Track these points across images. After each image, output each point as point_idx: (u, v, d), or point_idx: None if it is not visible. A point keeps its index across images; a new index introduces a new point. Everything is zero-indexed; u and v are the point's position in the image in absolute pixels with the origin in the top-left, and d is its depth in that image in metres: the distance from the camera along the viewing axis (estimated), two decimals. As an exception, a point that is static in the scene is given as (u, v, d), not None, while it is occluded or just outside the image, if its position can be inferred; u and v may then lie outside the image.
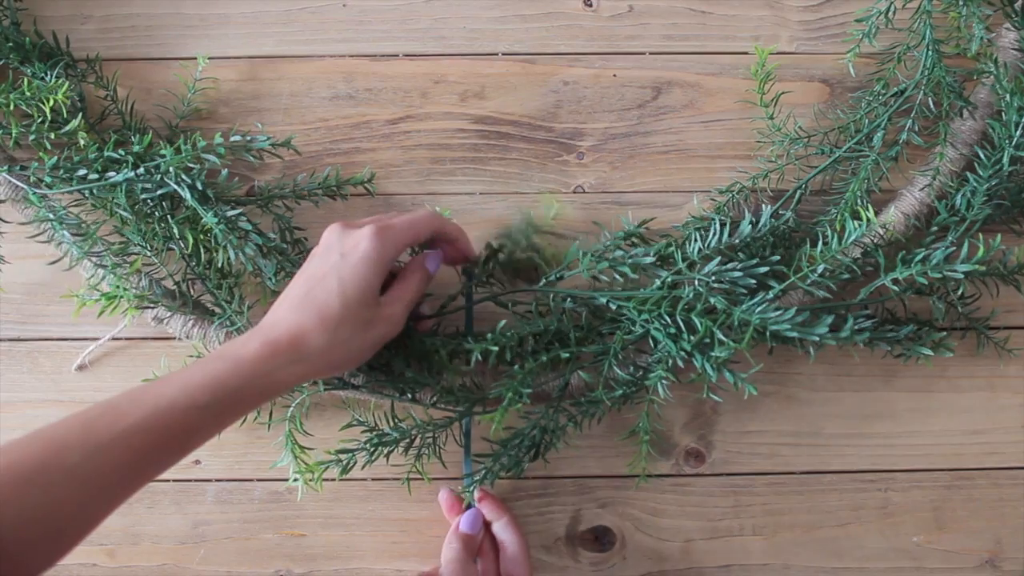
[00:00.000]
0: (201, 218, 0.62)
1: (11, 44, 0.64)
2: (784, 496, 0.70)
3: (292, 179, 0.68)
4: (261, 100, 0.69)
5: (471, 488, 0.65)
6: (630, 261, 0.63)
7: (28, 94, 0.61)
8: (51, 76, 0.63)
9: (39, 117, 0.62)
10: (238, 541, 0.69)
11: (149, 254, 0.64)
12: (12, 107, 0.62)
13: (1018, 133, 0.63)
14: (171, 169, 0.60)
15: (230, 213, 0.62)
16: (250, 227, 0.62)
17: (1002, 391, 0.70)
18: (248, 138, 0.63)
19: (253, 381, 0.54)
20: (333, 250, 0.57)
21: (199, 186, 0.61)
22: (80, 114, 0.63)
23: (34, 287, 0.68)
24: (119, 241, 0.64)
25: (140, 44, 0.69)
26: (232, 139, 0.62)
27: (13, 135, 0.62)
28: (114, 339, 0.69)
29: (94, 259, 0.64)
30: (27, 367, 0.69)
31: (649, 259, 0.63)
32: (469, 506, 0.65)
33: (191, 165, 0.61)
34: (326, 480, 0.67)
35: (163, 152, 0.61)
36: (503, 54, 0.69)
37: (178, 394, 0.52)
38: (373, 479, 0.69)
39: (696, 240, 0.63)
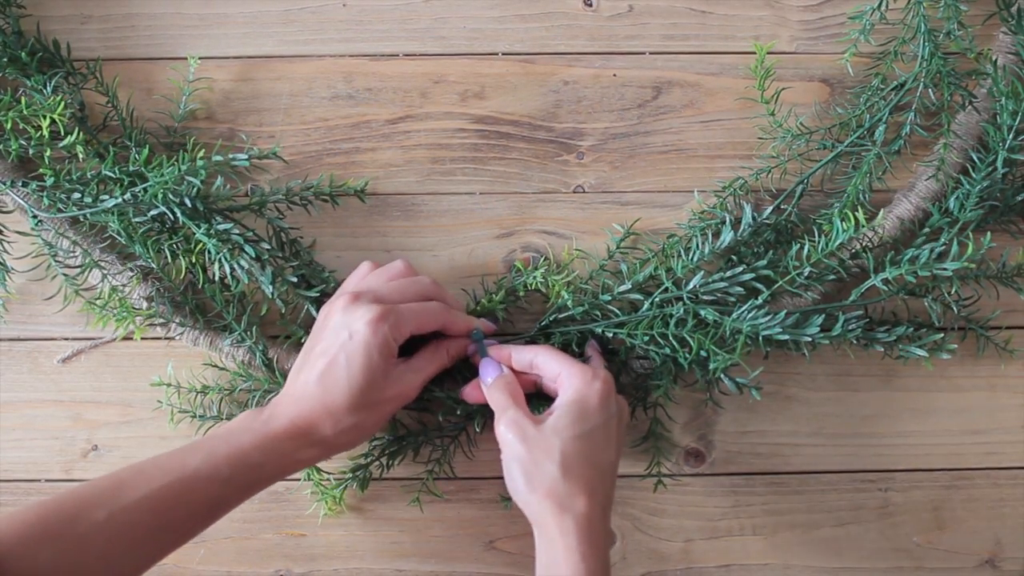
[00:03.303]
0: (190, 239, 0.63)
1: (7, 58, 0.64)
2: (784, 496, 0.70)
3: (286, 184, 0.68)
4: (261, 100, 0.69)
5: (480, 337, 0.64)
6: (618, 297, 0.65)
7: (26, 112, 0.61)
8: (49, 87, 0.63)
9: (38, 133, 0.62)
10: (238, 541, 0.69)
11: (154, 267, 0.64)
12: (10, 125, 0.62)
13: (1011, 136, 0.63)
14: (159, 192, 0.60)
15: (221, 227, 0.62)
16: (242, 240, 0.63)
17: (1002, 391, 0.70)
18: (229, 156, 0.63)
19: (273, 458, 0.56)
20: (343, 328, 0.58)
21: (188, 202, 0.61)
22: (78, 128, 0.63)
23: (34, 287, 0.68)
24: (124, 254, 0.65)
25: (140, 44, 0.69)
26: (214, 159, 0.61)
27: (13, 150, 0.62)
28: (113, 340, 0.69)
29: (99, 283, 0.65)
30: (27, 367, 0.69)
31: (637, 295, 0.64)
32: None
33: (176, 187, 0.61)
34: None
35: (149, 176, 0.61)
36: (503, 54, 0.69)
37: (202, 464, 0.55)
38: (373, 479, 0.68)
39: (680, 255, 0.64)
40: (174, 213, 0.61)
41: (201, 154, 0.62)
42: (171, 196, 0.61)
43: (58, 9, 0.68)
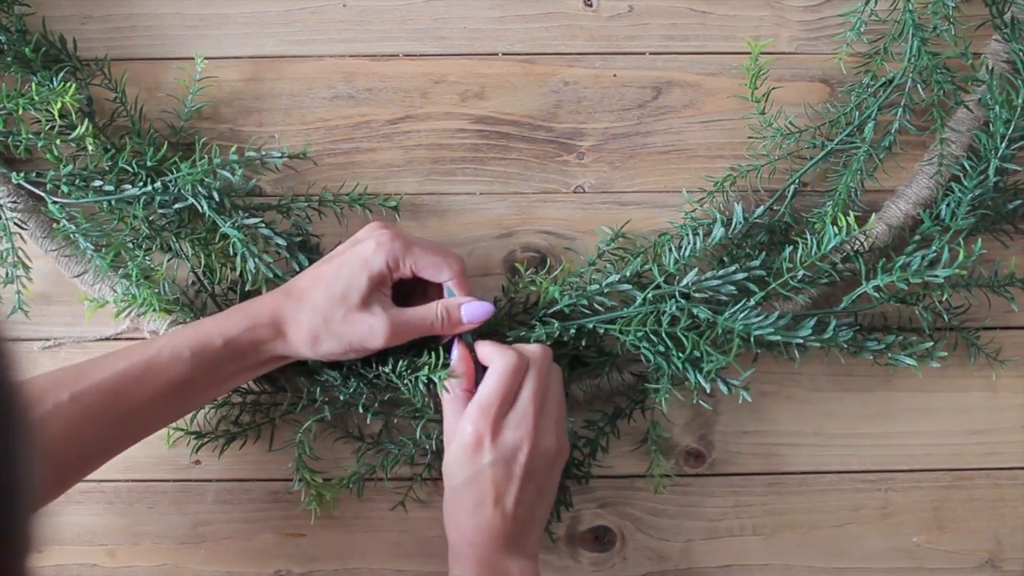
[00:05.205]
0: (215, 233, 0.64)
1: (12, 55, 0.64)
2: (784, 496, 0.70)
3: (320, 190, 0.67)
4: (262, 100, 0.69)
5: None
6: (606, 290, 0.64)
7: (36, 98, 0.61)
8: (56, 80, 0.63)
9: (48, 123, 0.62)
10: (238, 541, 0.69)
11: (182, 259, 0.65)
12: (21, 111, 0.62)
13: (1004, 145, 0.63)
14: (189, 183, 0.61)
15: (249, 221, 0.63)
16: (271, 232, 0.64)
17: (1002, 391, 0.70)
18: (263, 152, 0.64)
19: (236, 338, 0.57)
20: (355, 240, 0.61)
21: (216, 196, 0.62)
22: (87, 119, 0.63)
23: (33, 287, 0.68)
24: (146, 247, 0.65)
25: (141, 44, 0.69)
26: (247, 154, 0.63)
27: (23, 141, 0.62)
28: (111, 338, 0.69)
29: (120, 268, 0.65)
30: (27, 367, 0.69)
31: (626, 285, 0.64)
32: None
33: (205, 178, 0.62)
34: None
35: (180, 166, 0.62)
36: (503, 54, 0.69)
37: (164, 346, 0.56)
38: (375, 479, 0.68)
39: (672, 251, 0.63)
40: (201, 206, 0.62)
41: (234, 149, 0.63)
42: (199, 188, 0.62)
43: (59, 9, 0.68)
